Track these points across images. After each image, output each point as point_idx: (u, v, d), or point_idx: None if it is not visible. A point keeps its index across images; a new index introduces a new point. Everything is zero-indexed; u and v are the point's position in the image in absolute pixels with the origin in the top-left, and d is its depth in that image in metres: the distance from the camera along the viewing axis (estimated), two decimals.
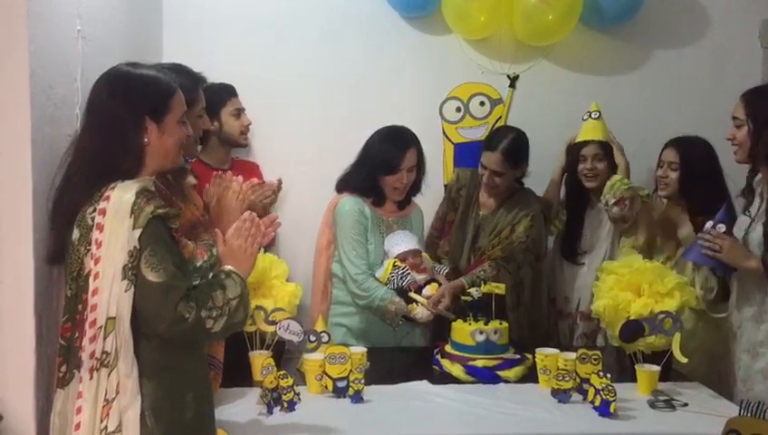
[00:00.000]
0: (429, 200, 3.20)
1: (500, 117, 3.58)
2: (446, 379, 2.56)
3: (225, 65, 3.17)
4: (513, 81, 3.58)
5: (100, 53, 2.22)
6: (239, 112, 3.14)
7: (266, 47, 3.47)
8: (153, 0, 3.28)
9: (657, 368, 2.45)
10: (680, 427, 2.19)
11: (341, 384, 2.37)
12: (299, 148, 3.45)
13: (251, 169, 3.26)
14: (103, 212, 1.69)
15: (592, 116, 3.19)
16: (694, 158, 2.90)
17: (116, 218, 1.68)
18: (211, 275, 1.83)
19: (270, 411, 2.23)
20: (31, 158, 1.78)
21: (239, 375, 2.46)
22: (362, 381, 2.36)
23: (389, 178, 2.90)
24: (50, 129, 1.87)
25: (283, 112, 3.47)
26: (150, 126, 1.79)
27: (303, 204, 3.32)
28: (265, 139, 3.40)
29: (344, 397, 2.35)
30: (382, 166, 2.90)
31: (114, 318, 1.65)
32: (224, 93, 3.11)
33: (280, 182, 3.04)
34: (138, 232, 1.66)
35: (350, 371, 2.38)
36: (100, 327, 1.65)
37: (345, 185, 2.98)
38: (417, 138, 2.96)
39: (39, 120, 1.81)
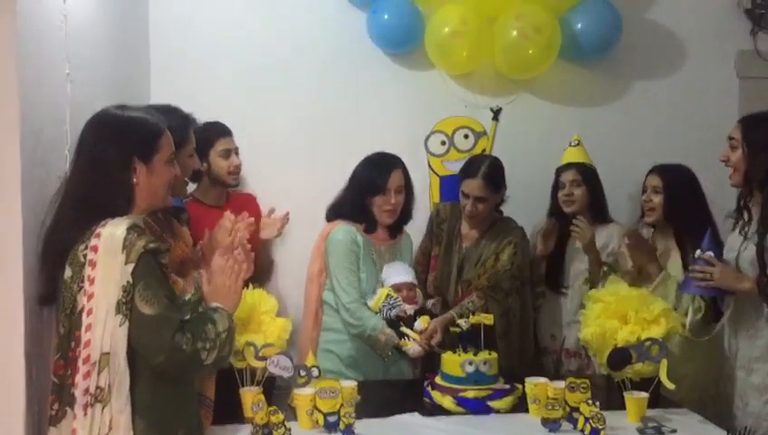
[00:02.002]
0: (415, 231, 3.25)
1: (484, 149, 3.66)
2: (437, 411, 2.56)
3: (215, 104, 3.22)
4: (497, 113, 3.67)
5: (89, 95, 2.27)
6: (228, 153, 3.16)
7: (255, 85, 3.53)
8: (140, 42, 3.34)
9: (645, 395, 2.47)
10: None
11: (332, 419, 2.37)
12: (289, 180, 3.51)
13: (248, 201, 3.28)
14: (95, 249, 1.73)
15: (572, 144, 3.29)
16: (677, 182, 2.99)
17: (108, 254, 1.71)
18: (200, 309, 1.87)
19: None
20: (21, 200, 1.81)
21: (230, 412, 2.46)
22: (353, 415, 2.36)
23: (378, 200, 2.95)
24: (40, 171, 1.90)
25: (273, 147, 3.53)
26: (139, 166, 1.84)
27: (291, 234, 3.34)
28: (257, 173, 3.46)
29: (335, 432, 2.35)
30: (370, 188, 2.96)
31: (108, 354, 1.69)
32: (213, 133, 3.12)
33: (287, 215, 3.06)
34: (130, 267, 1.71)
35: (341, 405, 2.38)
36: (94, 363, 1.68)
37: (336, 212, 3.04)
38: (401, 161, 3.04)
39: (29, 163, 1.84)
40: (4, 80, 1.76)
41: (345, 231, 2.96)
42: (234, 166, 3.17)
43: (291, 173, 3.53)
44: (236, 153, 3.21)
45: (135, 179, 1.84)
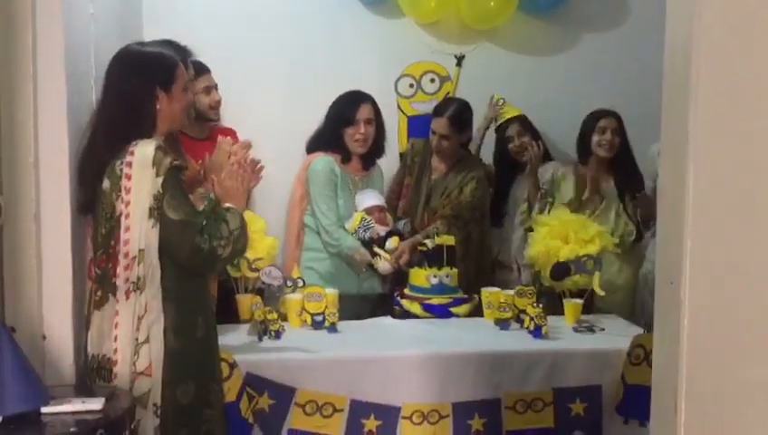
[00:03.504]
0: (386, 165, 3.58)
1: (448, 93, 3.95)
2: (407, 315, 3.00)
3: (199, 44, 3.45)
4: (460, 60, 3.95)
5: (103, 31, 2.54)
6: (209, 89, 3.34)
7: (238, 30, 3.75)
8: None
9: (580, 301, 2.94)
10: (597, 344, 2.67)
11: (319, 318, 2.78)
12: (268, 117, 3.74)
13: (229, 134, 3.54)
14: (130, 164, 2.04)
15: (500, 103, 3.70)
16: (622, 126, 3.40)
17: (141, 169, 2.02)
18: (213, 213, 2.12)
19: (260, 339, 2.62)
20: (67, 127, 2.10)
21: (226, 315, 2.83)
22: (336, 315, 2.78)
23: (349, 131, 3.28)
24: (76, 99, 2.19)
25: (253, 86, 3.73)
26: (161, 94, 2.13)
27: (274, 165, 3.62)
28: (239, 109, 3.65)
29: (322, 328, 2.76)
30: (342, 120, 3.29)
31: (143, 250, 2.01)
32: (194, 71, 3.38)
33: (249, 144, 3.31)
34: (160, 179, 2.01)
35: (326, 307, 2.79)
36: (133, 257, 2.01)
37: (315, 144, 3.38)
38: (371, 96, 3.35)
39: (70, 92, 2.13)
40: (52, 23, 2.04)
41: (324, 162, 3.30)
42: (215, 101, 3.36)
43: (272, 111, 3.76)
44: (216, 89, 3.40)
45: (158, 106, 2.12)
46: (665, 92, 1.60)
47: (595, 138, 3.37)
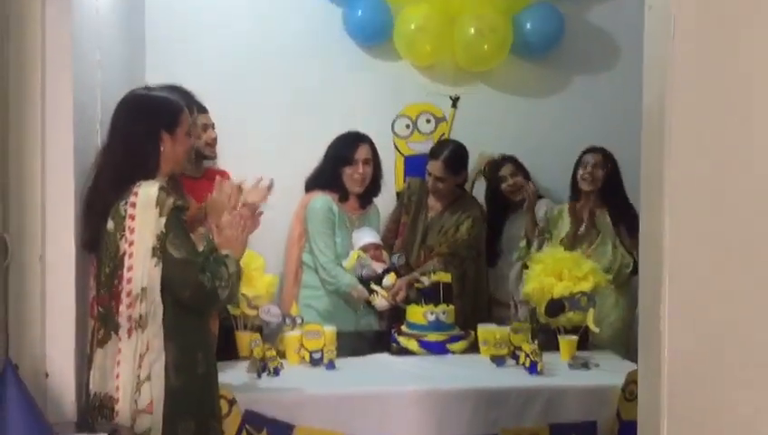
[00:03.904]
0: (382, 203, 3.65)
1: (443, 133, 4.05)
2: (404, 352, 3.03)
3: (199, 85, 3.54)
4: (455, 101, 4.05)
5: (108, 77, 2.62)
6: (206, 127, 3.39)
7: (239, 71, 3.85)
8: (138, 29, 3.64)
9: (575, 337, 2.98)
10: (592, 380, 2.69)
11: (317, 355, 2.81)
12: (267, 157, 3.76)
13: (222, 175, 3.61)
14: (134, 205, 2.09)
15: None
16: (612, 162, 3.49)
17: (145, 209, 2.07)
18: (212, 257, 2.18)
19: (259, 377, 2.65)
20: (73, 169, 2.17)
21: (226, 353, 2.86)
22: (334, 352, 2.81)
23: (348, 170, 3.36)
24: (82, 142, 2.26)
25: (253, 125, 3.84)
26: (165, 137, 2.20)
27: (273, 204, 3.67)
28: (239, 148, 3.72)
29: (320, 365, 2.79)
30: (340, 159, 3.37)
31: (146, 288, 2.05)
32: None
33: (272, 182, 3.38)
34: (163, 219, 2.06)
35: (324, 344, 2.83)
36: (136, 296, 2.05)
37: (313, 183, 3.45)
38: (369, 137, 3.44)
39: (77, 135, 2.20)
40: (61, 69, 2.12)
41: (322, 200, 3.37)
42: (211, 138, 3.39)
43: (272, 149, 3.84)
44: (213, 127, 3.44)
45: (162, 148, 2.19)
46: (642, 146, 1.68)
47: (579, 172, 3.48)
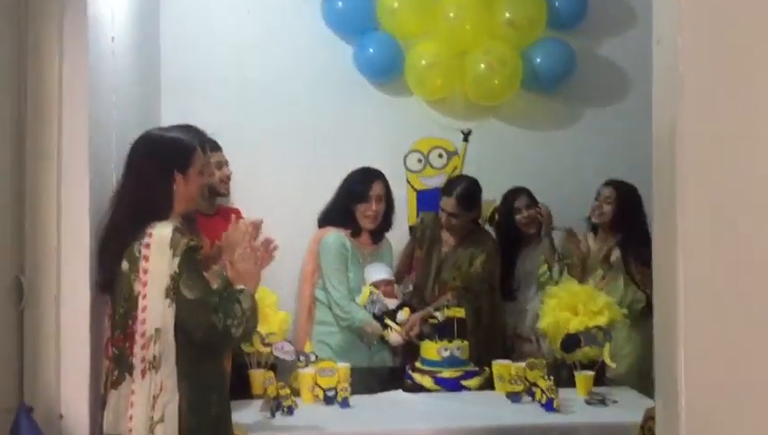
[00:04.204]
0: (395, 237, 3.65)
1: (456, 167, 4.07)
2: (418, 389, 3.00)
3: (213, 121, 3.56)
4: (467, 135, 4.06)
5: (123, 117, 2.66)
6: (220, 165, 3.44)
7: (253, 108, 3.90)
8: (153, 69, 3.71)
9: (591, 373, 2.94)
10: (610, 418, 2.64)
11: (331, 393, 2.79)
12: (280, 192, 3.85)
13: (235, 214, 3.63)
14: (148, 246, 2.10)
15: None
16: (626, 196, 3.47)
17: (159, 250, 2.09)
18: (226, 293, 2.18)
19: (272, 416, 2.63)
20: (88, 211, 2.19)
21: (239, 391, 2.85)
22: (348, 390, 2.79)
23: (361, 207, 3.37)
24: (97, 182, 2.28)
25: (266, 162, 3.88)
26: (178, 177, 2.22)
27: (286, 240, 3.69)
28: (251, 184, 3.76)
29: (334, 403, 2.77)
30: (354, 196, 3.38)
31: (159, 329, 2.06)
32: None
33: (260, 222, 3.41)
34: (176, 260, 2.07)
35: (338, 382, 2.81)
36: (150, 337, 2.06)
37: (326, 219, 3.46)
38: (383, 174, 3.45)
39: (92, 176, 2.23)
40: (77, 111, 2.15)
41: (335, 236, 3.38)
42: (225, 176, 3.45)
43: (286, 185, 3.88)
44: (226, 165, 3.49)
45: (175, 188, 2.21)
46: (653, 179, 1.68)
47: (592, 204, 3.46)
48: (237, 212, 3.66)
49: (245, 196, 3.76)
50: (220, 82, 3.91)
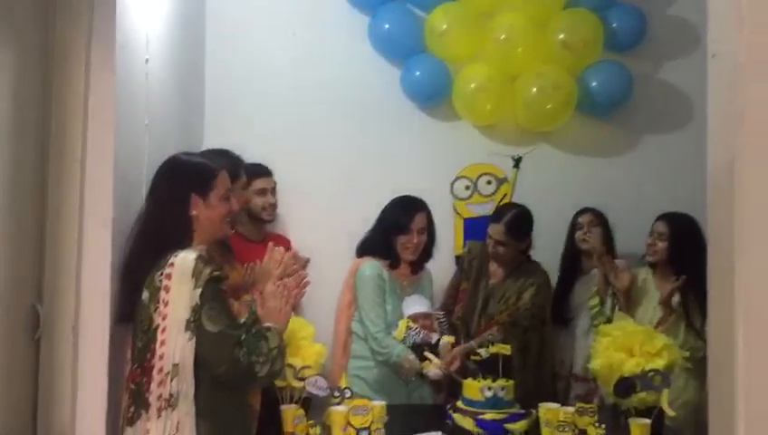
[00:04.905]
0: (440, 267, 3.51)
1: (505, 194, 3.90)
2: (458, 432, 2.81)
3: (260, 149, 3.49)
4: (517, 162, 3.91)
5: (160, 142, 2.60)
6: (264, 192, 3.40)
7: (297, 129, 3.83)
8: (197, 94, 3.69)
9: (648, 421, 2.70)
10: None
11: (364, 433, 2.64)
12: (324, 220, 3.75)
13: (283, 244, 3.55)
14: (169, 276, 2.01)
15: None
16: (681, 230, 3.21)
17: (180, 280, 1.99)
18: (254, 329, 2.08)
19: None
20: (111, 237, 2.12)
21: (271, 428, 2.72)
22: (383, 431, 2.63)
23: (402, 239, 3.23)
24: (124, 207, 2.21)
25: (307, 187, 3.78)
26: (197, 201, 2.13)
27: (325, 268, 3.53)
28: (290, 209, 3.71)
29: None
30: (395, 227, 3.24)
31: (178, 365, 1.95)
32: (251, 173, 3.38)
33: (308, 261, 3.33)
34: (198, 291, 1.98)
35: (372, 421, 2.65)
36: (167, 373, 1.95)
37: (364, 249, 3.32)
38: (425, 204, 3.30)
39: (117, 203, 2.16)
40: (103, 133, 2.09)
41: (372, 267, 3.24)
42: (268, 204, 3.41)
43: (326, 213, 3.78)
44: (273, 193, 3.44)
45: (194, 212, 2.12)
46: (709, 212, 1.49)
47: (647, 241, 3.24)
48: (287, 242, 3.60)
49: (284, 222, 3.69)
50: (264, 105, 3.86)
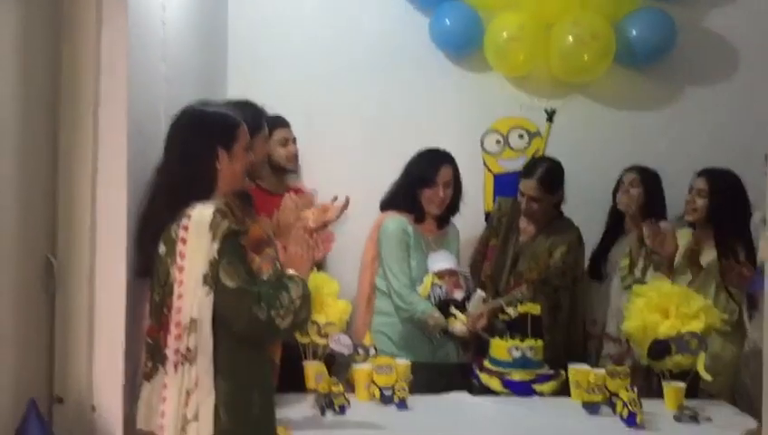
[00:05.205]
0: (469, 224, 3.43)
1: (538, 149, 3.78)
2: (485, 391, 2.76)
3: (284, 100, 3.41)
4: (551, 115, 3.77)
5: (178, 92, 2.50)
6: (286, 141, 3.32)
7: (323, 83, 3.71)
8: (220, 43, 3.58)
9: (682, 384, 2.61)
10: None
11: (388, 392, 2.59)
12: (348, 173, 3.62)
13: (298, 193, 3.48)
14: (186, 228, 1.93)
15: None
16: (722, 187, 3.05)
17: (197, 233, 1.92)
18: (275, 279, 2.01)
19: (323, 414, 2.46)
20: (126, 188, 2.05)
21: (293, 383, 2.69)
22: (406, 390, 2.58)
23: (427, 192, 3.13)
24: (140, 162, 2.13)
25: (333, 138, 3.69)
26: (222, 154, 2.05)
27: (352, 224, 3.44)
28: (317, 162, 3.61)
29: (390, 404, 2.57)
30: (420, 180, 3.14)
31: (196, 320, 1.89)
32: (272, 124, 3.32)
33: (347, 200, 3.26)
34: (216, 244, 1.90)
35: (396, 380, 2.60)
36: (185, 327, 1.89)
37: (388, 203, 3.23)
38: (452, 157, 3.20)
39: (133, 155, 2.08)
40: (116, 82, 2.01)
41: (396, 221, 3.15)
42: (291, 153, 3.33)
43: (350, 166, 3.67)
44: (294, 142, 3.37)
45: (219, 166, 2.05)
46: None
47: (686, 199, 3.09)
48: (300, 191, 3.52)
49: (310, 176, 3.61)
50: (289, 55, 3.74)
